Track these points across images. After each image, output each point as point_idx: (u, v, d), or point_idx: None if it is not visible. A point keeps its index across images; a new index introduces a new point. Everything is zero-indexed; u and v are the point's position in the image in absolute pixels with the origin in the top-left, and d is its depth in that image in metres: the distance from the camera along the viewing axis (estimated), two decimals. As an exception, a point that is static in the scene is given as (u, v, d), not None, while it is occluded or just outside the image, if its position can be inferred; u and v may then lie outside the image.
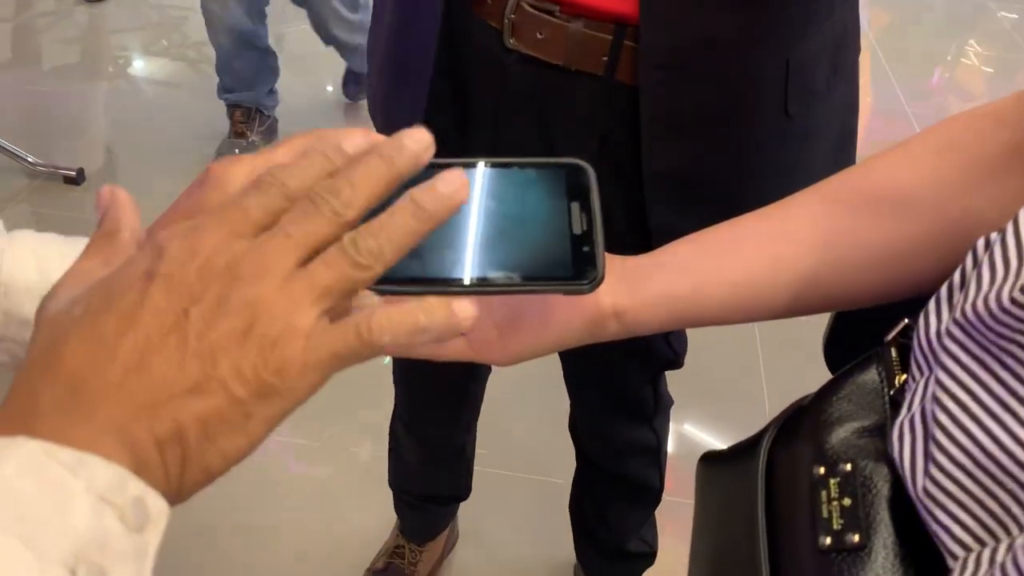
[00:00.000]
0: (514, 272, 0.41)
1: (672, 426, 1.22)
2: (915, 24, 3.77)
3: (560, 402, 1.17)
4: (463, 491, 1.38)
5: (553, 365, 1.10)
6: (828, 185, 0.52)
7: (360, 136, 0.35)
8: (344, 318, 0.32)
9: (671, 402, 1.16)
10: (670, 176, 0.74)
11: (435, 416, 1.24)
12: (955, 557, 0.37)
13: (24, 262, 0.45)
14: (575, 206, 0.43)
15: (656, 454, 1.17)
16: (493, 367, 1.26)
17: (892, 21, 3.69)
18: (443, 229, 0.40)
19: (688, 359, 1.07)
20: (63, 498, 0.27)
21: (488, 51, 0.78)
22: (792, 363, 1.83)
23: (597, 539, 1.30)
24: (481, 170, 0.44)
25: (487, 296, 0.44)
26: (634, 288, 0.49)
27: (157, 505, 0.29)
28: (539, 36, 0.75)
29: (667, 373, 1.13)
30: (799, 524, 0.42)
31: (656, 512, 1.28)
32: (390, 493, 1.38)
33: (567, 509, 1.34)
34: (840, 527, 0.40)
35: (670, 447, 1.31)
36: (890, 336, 0.48)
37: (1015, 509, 0.36)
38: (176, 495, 0.30)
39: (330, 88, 2.84)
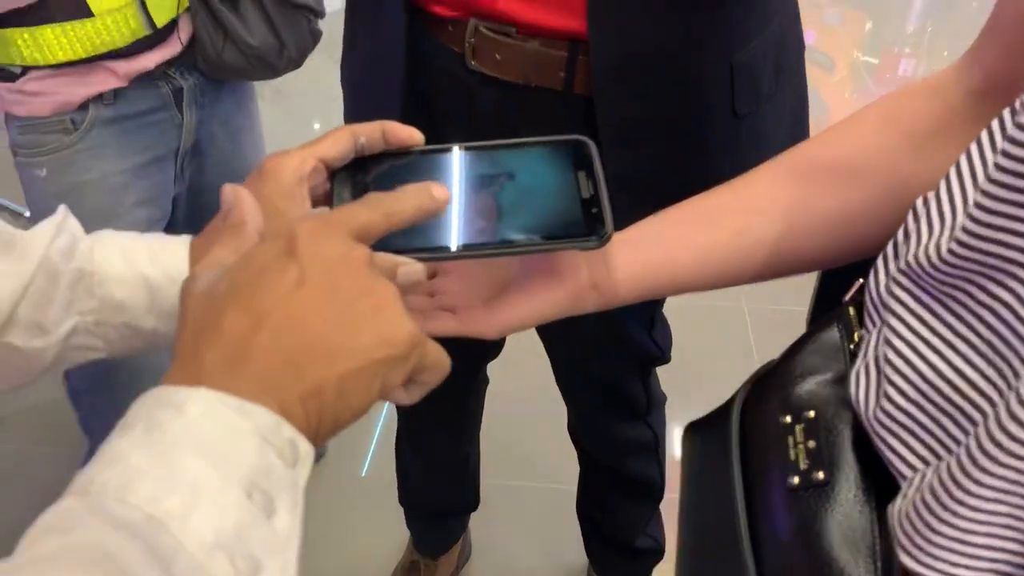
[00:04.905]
0: (535, 234, 0.47)
1: (672, 427, 1.25)
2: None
3: (563, 409, 1.21)
4: (471, 502, 1.41)
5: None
6: (786, 156, 0.56)
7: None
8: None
9: (664, 398, 1.19)
10: (628, 180, 0.78)
11: (435, 430, 1.27)
12: (904, 477, 0.41)
13: (111, 256, 0.52)
14: (581, 175, 0.49)
15: (655, 450, 1.20)
16: (490, 381, 1.29)
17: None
18: (471, 203, 0.49)
19: (685, 360, 1.08)
20: (236, 436, 0.33)
21: (453, 74, 0.83)
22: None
23: (605, 537, 1.33)
24: (498, 151, 0.51)
25: (503, 259, 0.50)
26: (609, 261, 0.53)
27: (304, 447, 0.35)
28: (498, 57, 0.79)
29: (664, 376, 1.17)
30: (771, 470, 0.46)
31: (661, 509, 1.30)
32: (402, 509, 1.41)
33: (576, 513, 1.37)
34: (807, 467, 0.44)
35: (672, 448, 1.33)
36: (848, 296, 0.52)
37: (956, 432, 0.40)
38: (314, 440, 0.36)
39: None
